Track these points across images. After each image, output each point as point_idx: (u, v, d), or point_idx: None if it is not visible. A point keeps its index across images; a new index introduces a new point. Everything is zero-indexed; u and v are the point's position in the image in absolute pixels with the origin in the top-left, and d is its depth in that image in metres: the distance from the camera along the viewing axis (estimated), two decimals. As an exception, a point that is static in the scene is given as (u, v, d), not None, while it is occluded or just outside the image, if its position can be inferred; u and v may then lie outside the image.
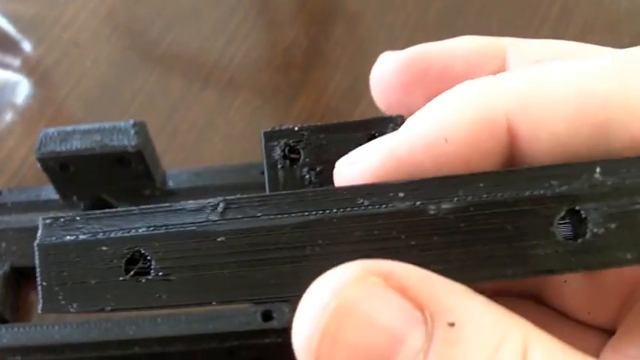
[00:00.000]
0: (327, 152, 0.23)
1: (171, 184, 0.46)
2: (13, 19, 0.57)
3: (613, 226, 0.18)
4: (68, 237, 0.19)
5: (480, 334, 0.17)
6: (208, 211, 0.19)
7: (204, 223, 0.19)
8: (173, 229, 0.19)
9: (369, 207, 0.19)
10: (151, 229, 0.19)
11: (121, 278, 0.19)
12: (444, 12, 0.54)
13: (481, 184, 0.19)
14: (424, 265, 0.18)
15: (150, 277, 0.19)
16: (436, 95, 0.21)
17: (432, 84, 0.21)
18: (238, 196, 0.19)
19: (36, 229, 0.45)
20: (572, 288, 0.26)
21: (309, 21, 0.56)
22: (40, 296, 0.19)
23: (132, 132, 0.42)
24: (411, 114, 0.21)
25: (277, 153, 0.25)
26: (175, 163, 0.47)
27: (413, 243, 0.19)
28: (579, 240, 0.18)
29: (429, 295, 0.18)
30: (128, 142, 0.41)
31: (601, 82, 0.19)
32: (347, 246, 0.19)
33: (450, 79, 0.22)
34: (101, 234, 0.19)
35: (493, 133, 0.20)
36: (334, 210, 0.19)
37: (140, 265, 0.19)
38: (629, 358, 0.20)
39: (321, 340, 0.17)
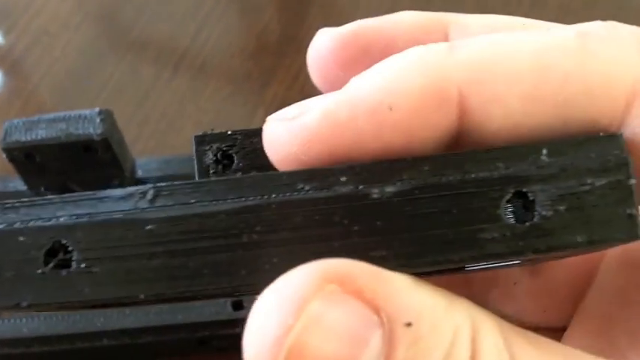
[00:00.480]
0: (261, 157, 0.21)
1: (140, 172, 0.45)
2: (-19, 8, 0.56)
3: (562, 208, 0.18)
4: None
5: (435, 329, 0.17)
6: (136, 199, 0.18)
7: (131, 211, 0.18)
8: (97, 218, 0.18)
9: (310, 191, 0.18)
10: (74, 217, 0.18)
11: (39, 271, 0.18)
12: (418, -4, 0.54)
13: (426, 167, 0.18)
14: (367, 250, 0.18)
15: (71, 270, 0.18)
16: None
17: (373, 61, 0.19)
18: (170, 183, 0.18)
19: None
20: (522, 290, 0.26)
21: (282, 6, 0.55)
22: None
23: (97, 120, 0.41)
24: None
25: (209, 158, 0.23)
26: (146, 152, 0.47)
27: (355, 228, 0.18)
28: (527, 223, 0.18)
29: (383, 296, 0.17)
30: (94, 130, 0.41)
31: (562, 59, 0.18)
32: (287, 232, 0.18)
33: (391, 55, 0.21)
34: (18, 223, 0.18)
35: (442, 106, 0.19)
36: (273, 195, 0.18)
37: (61, 256, 0.18)
38: (581, 348, 0.19)
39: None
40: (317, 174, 0.18)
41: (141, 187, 0.18)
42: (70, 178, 0.44)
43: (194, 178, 0.42)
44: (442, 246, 0.18)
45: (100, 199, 0.18)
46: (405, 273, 0.18)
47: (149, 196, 0.18)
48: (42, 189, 0.44)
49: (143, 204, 0.18)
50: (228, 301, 0.41)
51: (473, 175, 0.18)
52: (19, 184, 0.45)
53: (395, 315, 0.17)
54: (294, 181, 0.18)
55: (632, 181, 0.18)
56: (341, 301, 0.17)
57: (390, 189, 0.18)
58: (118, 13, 0.55)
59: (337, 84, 0.21)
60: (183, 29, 0.54)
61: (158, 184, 0.18)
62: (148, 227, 0.18)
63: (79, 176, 0.43)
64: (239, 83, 0.51)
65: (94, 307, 0.19)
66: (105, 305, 0.18)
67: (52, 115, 0.42)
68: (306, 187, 0.18)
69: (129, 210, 0.18)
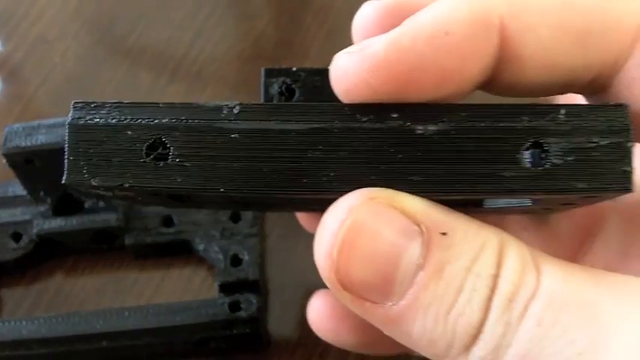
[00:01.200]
0: (320, 93, 0.25)
1: (138, 177, 0.46)
2: (-19, 16, 0.57)
3: (570, 159, 0.21)
4: (97, 119, 0.22)
5: (466, 238, 0.21)
6: (225, 111, 0.22)
7: (220, 121, 0.22)
8: (192, 123, 0.22)
9: (366, 122, 0.22)
10: (173, 120, 0.22)
11: (141, 160, 0.22)
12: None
13: (463, 113, 0.22)
14: (407, 174, 0.22)
15: (168, 162, 0.22)
16: None
17: None
18: (253, 102, 0.22)
19: (4, 225, 0.44)
20: (529, 236, 0.30)
21: (278, 12, 0.56)
22: (65, 169, 0.22)
23: (96, 125, 0.41)
24: None
25: (274, 89, 0.27)
26: (144, 157, 0.47)
27: (400, 156, 0.22)
28: (540, 168, 0.21)
29: (424, 213, 0.22)
30: (92, 135, 0.41)
31: None
32: (343, 153, 0.22)
33: None
34: (127, 120, 0.22)
35: (488, 32, 0.22)
36: (336, 122, 0.22)
37: (160, 151, 0.22)
38: None
39: (340, 249, 0.21)
40: (373, 109, 0.22)
41: (229, 102, 0.22)
42: (69, 183, 0.44)
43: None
44: (469, 178, 0.22)
45: (195, 107, 0.22)
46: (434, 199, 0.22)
47: (236, 110, 0.22)
48: (41, 193, 0.45)
49: (230, 116, 0.22)
50: (226, 302, 0.41)
51: (502, 124, 0.22)
52: (18, 189, 0.46)
53: (433, 227, 0.21)
54: (354, 112, 0.22)
55: (631, 144, 0.22)
56: (387, 212, 0.21)
57: (432, 127, 0.22)
58: (115, 21, 0.55)
59: None
60: (181, 36, 0.54)
61: (243, 102, 0.22)
62: (234, 135, 0.22)
63: (78, 181, 0.44)
64: (236, 88, 0.52)
65: (178, 198, 0.23)
66: (187, 196, 0.23)
67: (51, 121, 0.42)
68: (364, 119, 0.22)
69: (218, 119, 0.22)
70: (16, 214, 0.46)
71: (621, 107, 0.22)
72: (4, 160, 0.42)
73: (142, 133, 0.22)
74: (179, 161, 0.22)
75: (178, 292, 0.45)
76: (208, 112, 0.22)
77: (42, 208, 0.45)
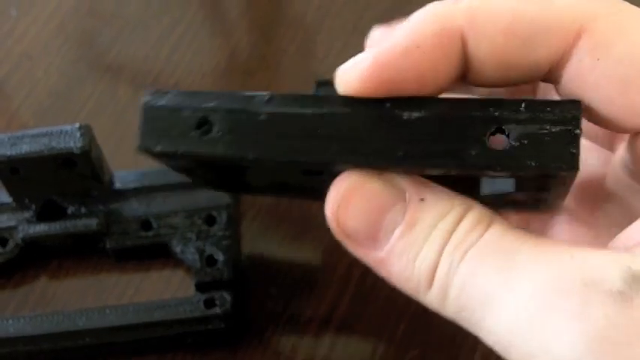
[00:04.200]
0: None
1: (118, 184, 0.48)
2: (-34, 35, 0.59)
3: (525, 142, 0.25)
4: (162, 102, 0.28)
5: (438, 203, 0.27)
6: (257, 99, 0.27)
7: (253, 105, 0.27)
8: (231, 107, 0.27)
9: (364, 110, 0.27)
10: (216, 104, 0.27)
11: (192, 133, 0.27)
12: (377, 19, 0.57)
13: (442, 104, 0.26)
14: (393, 151, 0.26)
15: (211, 135, 0.27)
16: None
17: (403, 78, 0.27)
18: (281, 94, 0.27)
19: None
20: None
21: (250, 28, 0.59)
22: (139, 137, 0.28)
23: (78, 134, 0.44)
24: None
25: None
26: (123, 165, 0.49)
27: (389, 136, 0.26)
28: (501, 149, 0.25)
29: (408, 184, 0.27)
30: (74, 144, 0.43)
31: (530, 6, 0.26)
32: (346, 132, 0.26)
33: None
34: (182, 103, 0.27)
35: (452, 40, 0.26)
36: (342, 108, 0.27)
37: (205, 127, 0.27)
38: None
39: (340, 205, 0.28)
40: (371, 100, 0.27)
41: (261, 93, 0.27)
42: (51, 190, 0.47)
43: (168, 188, 0.49)
44: (442, 154, 0.26)
45: (235, 96, 0.28)
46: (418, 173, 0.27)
47: (266, 98, 0.27)
48: (26, 200, 0.47)
49: (261, 101, 0.27)
50: (201, 300, 0.44)
51: (472, 114, 0.26)
52: (3, 197, 0.48)
53: (414, 194, 0.27)
54: (355, 102, 0.27)
55: (579, 131, 0.25)
56: (377, 181, 0.27)
57: (415, 114, 0.26)
58: (96, 38, 0.58)
59: (388, 90, 0.28)
60: (158, 51, 0.57)
61: (274, 92, 0.27)
62: (262, 117, 0.27)
63: (61, 188, 0.46)
64: (210, 100, 0.55)
65: (220, 163, 0.29)
66: (224, 160, 0.28)
67: (35, 131, 0.44)
68: (362, 107, 0.27)
69: (251, 104, 0.27)
70: (2, 220, 0.48)
71: (575, 102, 0.26)
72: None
73: (192, 114, 0.27)
74: (220, 135, 0.27)
75: (157, 292, 0.47)
76: (244, 98, 0.27)
77: (27, 215, 0.47)
